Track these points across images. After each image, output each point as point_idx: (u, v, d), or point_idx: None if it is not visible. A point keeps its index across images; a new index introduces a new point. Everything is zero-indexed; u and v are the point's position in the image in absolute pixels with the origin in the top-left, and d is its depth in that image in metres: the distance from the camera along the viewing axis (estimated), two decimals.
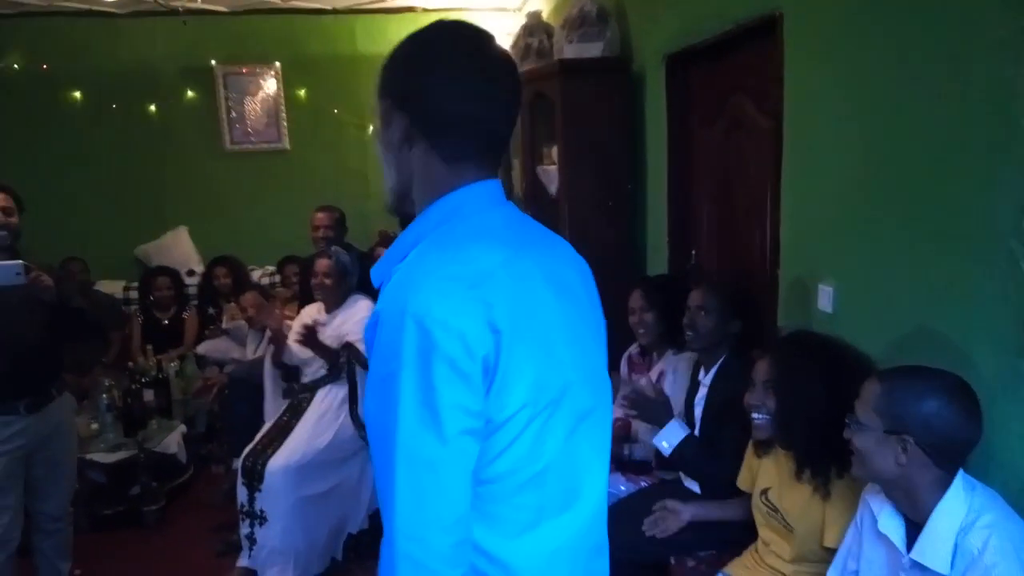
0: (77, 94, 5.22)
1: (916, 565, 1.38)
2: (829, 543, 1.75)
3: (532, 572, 0.95)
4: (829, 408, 1.72)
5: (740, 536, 2.09)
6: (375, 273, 1.00)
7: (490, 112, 0.97)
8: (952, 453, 1.37)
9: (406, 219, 1.04)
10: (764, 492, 1.97)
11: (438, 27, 1.00)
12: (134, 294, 4.96)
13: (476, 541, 0.92)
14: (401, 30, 1.02)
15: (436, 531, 0.86)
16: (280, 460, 3.04)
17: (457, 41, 0.98)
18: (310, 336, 3.17)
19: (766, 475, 2.00)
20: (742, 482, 2.12)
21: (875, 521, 1.49)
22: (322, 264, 3.29)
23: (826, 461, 1.76)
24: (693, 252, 3.20)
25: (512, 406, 0.90)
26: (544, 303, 0.96)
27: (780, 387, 1.86)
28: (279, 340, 3.32)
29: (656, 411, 2.34)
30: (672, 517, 2.20)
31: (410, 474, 0.84)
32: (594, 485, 1.04)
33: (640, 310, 2.69)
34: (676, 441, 2.27)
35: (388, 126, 0.99)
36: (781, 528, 1.90)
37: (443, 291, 0.86)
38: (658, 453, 2.56)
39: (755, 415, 1.93)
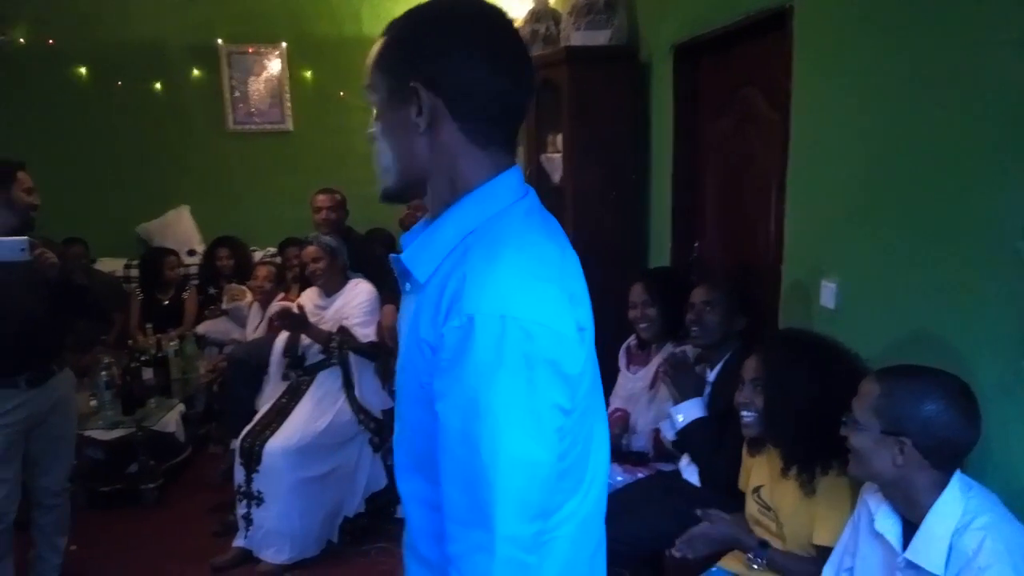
0: (82, 70, 5.18)
1: (911, 565, 1.38)
2: (819, 541, 1.75)
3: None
4: (816, 405, 1.73)
5: None
6: (415, 264, 0.95)
7: (518, 92, 0.94)
8: (949, 455, 1.37)
9: (402, 202, 1.02)
10: (757, 490, 1.98)
11: (461, 5, 0.95)
12: (135, 272, 4.96)
13: None
14: None
15: (530, 530, 0.85)
16: (278, 442, 3.05)
17: (485, 17, 0.94)
18: (297, 320, 3.17)
19: (759, 473, 2.00)
20: (742, 483, 2.10)
21: (872, 520, 1.49)
22: (308, 252, 3.31)
23: (812, 458, 1.77)
24: (696, 244, 3.19)
25: (580, 398, 0.91)
26: (586, 296, 0.97)
27: (768, 385, 1.86)
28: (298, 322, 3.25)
29: (687, 381, 2.35)
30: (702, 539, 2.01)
31: (513, 478, 0.83)
32: (602, 458, 1.04)
33: (642, 305, 2.66)
34: (691, 418, 2.28)
35: (400, 106, 0.93)
36: (773, 525, 1.90)
37: (538, 292, 0.85)
38: (656, 444, 2.57)
39: (744, 413, 1.93)
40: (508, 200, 0.95)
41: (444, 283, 0.89)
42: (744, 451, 2.08)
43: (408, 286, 1.00)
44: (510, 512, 0.83)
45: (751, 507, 1.99)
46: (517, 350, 0.82)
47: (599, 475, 1.02)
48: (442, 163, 0.94)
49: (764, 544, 1.88)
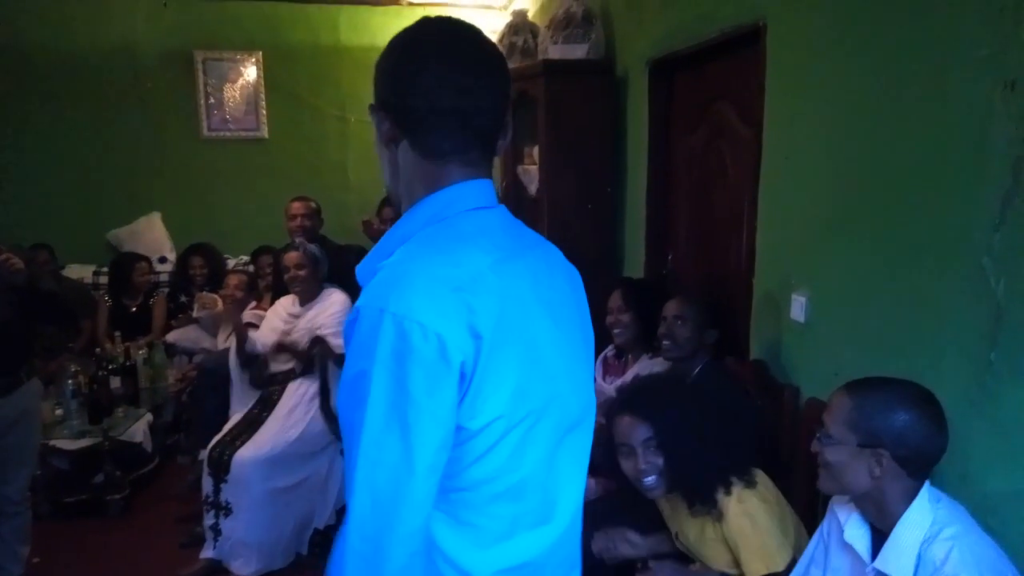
0: (51, 73, 5.10)
1: (880, 574, 1.39)
2: (753, 572, 1.72)
3: None
4: (705, 435, 1.76)
5: None
6: (360, 270, 0.98)
7: (470, 107, 0.94)
8: (924, 463, 1.39)
9: None
10: (675, 535, 1.96)
11: (421, 24, 0.98)
12: (104, 279, 4.88)
13: (445, 549, 0.90)
14: (385, 23, 1.01)
15: (392, 537, 0.83)
16: (248, 452, 3.01)
17: (436, 35, 0.96)
18: (281, 344, 3.17)
19: (671, 519, 1.97)
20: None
21: (841, 530, 1.51)
22: (291, 257, 3.26)
23: (714, 488, 1.77)
24: (669, 256, 3.22)
25: (489, 414, 0.88)
26: (532, 311, 0.94)
27: (664, 442, 1.79)
28: (240, 333, 3.29)
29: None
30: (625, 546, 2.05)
31: (370, 475, 0.82)
32: (571, 498, 1.03)
33: (617, 310, 2.70)
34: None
35: (377, 128, 0.99)
36: (704, 562, 1.89)
37: (425, 292, 0.84)
38: None
39: (646, 480, 1.81)
40: (455, 209, 0.96)
41: None
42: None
43: None
44: (367, 510, 0.83)
45: (683, 550, 1.97)
46: (389, 345, 0.82)
47: (561, 516, 1.00)
48: (403, 177, 0.99)
49: None
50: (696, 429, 1.78)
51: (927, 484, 1.40)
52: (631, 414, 1.83)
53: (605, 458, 1.87)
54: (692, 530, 1.87)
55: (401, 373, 0.82)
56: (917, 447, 1.37)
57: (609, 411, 1.93)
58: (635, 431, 1.81)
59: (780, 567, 1.72)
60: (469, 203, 0.97)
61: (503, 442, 0.90)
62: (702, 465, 1.76)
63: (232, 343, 3.44)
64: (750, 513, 1.75)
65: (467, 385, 0.85)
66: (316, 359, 3.22)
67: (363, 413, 0.82)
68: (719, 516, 1.77)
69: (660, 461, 1.80)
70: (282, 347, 3.23)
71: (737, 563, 1.77)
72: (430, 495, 0.85)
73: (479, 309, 0.86)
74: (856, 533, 1.48)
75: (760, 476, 1.85)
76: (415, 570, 0.85)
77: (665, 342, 2.40)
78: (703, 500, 1.77)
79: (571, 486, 1.03)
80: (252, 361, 3.36)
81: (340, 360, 3.23)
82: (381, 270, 0.90)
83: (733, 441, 1.82)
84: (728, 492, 1.76)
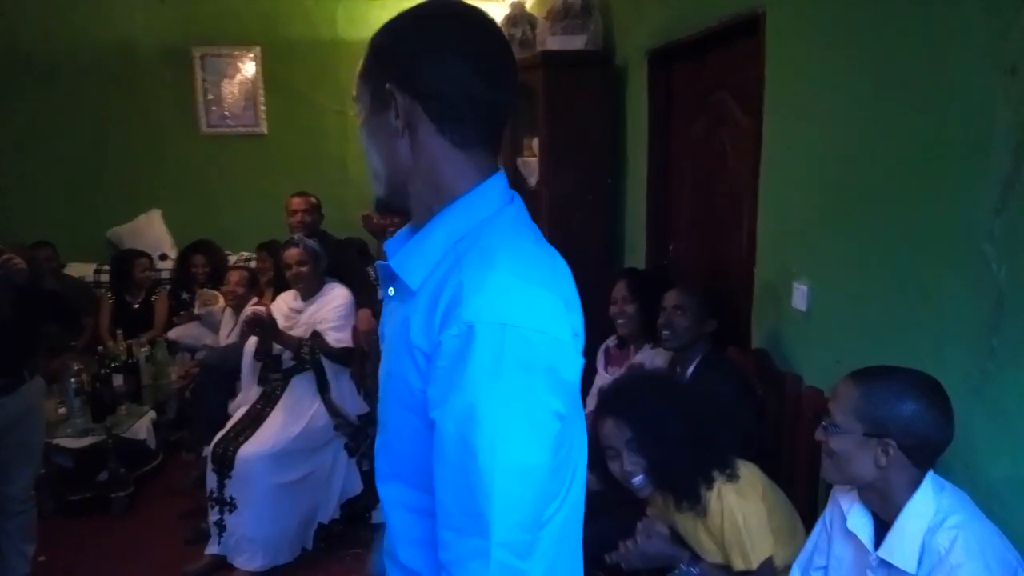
0: (50, 71, 5.09)
1: (883, 563, 1.39)
2: (743, 566, 1.73)
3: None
4: (686, 432, 1.76)
5: None
6: (405, 271, 0.94)
7: (500, 96, 0.93)
8: (930, 453, 1.38)
9: (396, 211, 1.00)
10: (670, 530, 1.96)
11: (438, 5, 0.95)
12: (105, 277, 4.88)
13: None
14: (383, 16, 0.99)
15: (528, 535, 0.85)
16: (252, 447, 3.01)
17: (461, 17, 0.93)
18: (267, 327, 3.13)
19: (664, 515, 1.96)
20: None
21: (844, 519, 1.51)
22: (292, 253, 3.25)
23: (697, 484, 1.77)
24: (670, 247, 3.21)
25: (573, 404, 0.92)
26: (578, 301, 0.97)
27: (644, 443, 1.79)
28: (266, 328, 3.20)
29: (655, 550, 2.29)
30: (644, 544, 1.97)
31: (511, 486, 0.82)
32: (579, 479, 1.02)
33: (623, 300, 2.70)
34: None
35: (381, 111, 0.93)
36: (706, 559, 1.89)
37: (535, 299, 0.85)
38: None
39: (633, 481, 1.82)
40: (495, 206, 0.94)
41: (437, 290, 0.88)
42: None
43: (392, 291, 0.99)
44: (507, 519, 0.82)
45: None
46: (517, 358, 0.81)
47: (579, 478, 1.02)
48: (424, 167, 0.94)
49: (696, 559, 1.85)
50: (673, 427, 1.77)
51: (931, 473, 1.39)
52: (613, 416, 1.84)
53: (595, 461, 1.87)
54: (685, 525, 1.88)
55: (532, 383, 0.83)
56: (924, 437, 1.36)
57: (596, 413, 1.93)
58: (618, 433, 1.82)
59: (755, 564, 1.72)
60: (502, 199, 0.96)
61: (573, 421, 0.94)
62: (680, 463, 1.76)
63: (242, 340, 3.41)
64: (729, 507, 1.75)
65: (575, 382, 0.90)
66: (308, 355, 3.20)
67: (495, 428, 0.81)
68: (703, 511, 1.77)
69: (644, 461, 1.80)
70: (269, 336, 3.18)
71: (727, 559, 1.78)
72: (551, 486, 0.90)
73: (574, 309, 0.90)
74: (859, 522, 1.47)
75: (747, 468, 1.84)
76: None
77: (665, 332, 2.41)
78: (687, 496, 1.78)
79: (579, 463, 1.02)
80: (270, 362, 3.33)
81: (335, 355, 3.22)
82: (466, 281, 0.85)
83: (713, 434, 1.81)
84: (710, 487, 1.77)
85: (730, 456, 1.83)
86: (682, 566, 1.87)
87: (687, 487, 1.77)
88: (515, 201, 0.98)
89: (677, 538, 1.94)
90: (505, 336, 0.81)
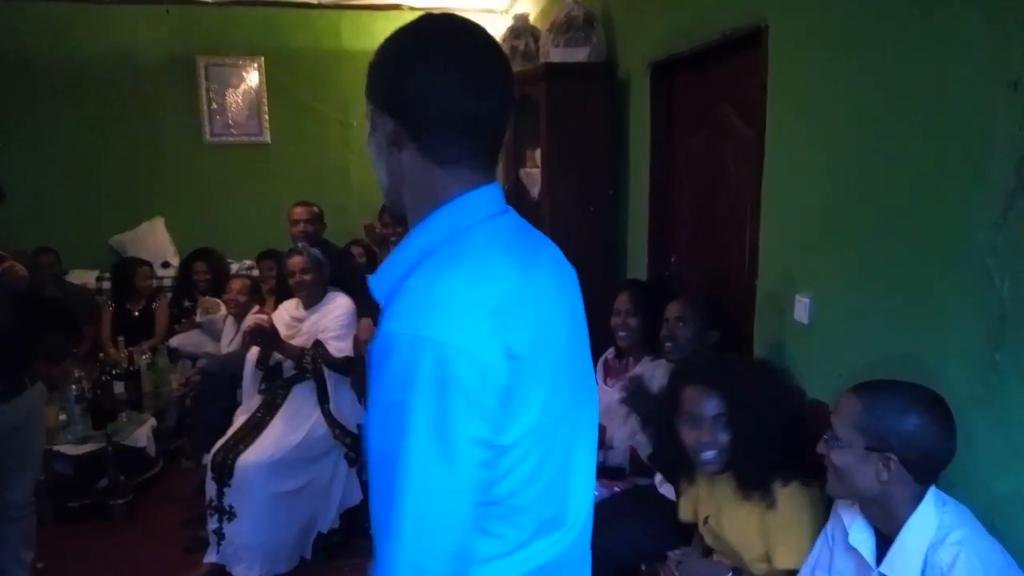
0: (54, 80, 5.11)
1: None
2: (783, 564, 1.72)
3: None
4: (788, 429, 1.72)
5: None
6: (376, 284, 0.94)
7: (484, 111, 0.91)
8: (932, 469, 1.38)
9: (400, 222, 1.00)
10: (706, 519, 1.94)
11: (424, 21, 0.94)
12: (107, 284, 4.89)
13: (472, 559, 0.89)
14: (387, 27, 0.99)
15: (440, 563, 0.82)
16: (252, 456, 3.00)
17: (445, 34, 0.92)
18: (268, 336, 3.13)
19: (704, 502, 1.96)
20: (687, 516, 2.04)
21: (846, 534, 1.50)
22: (296, 262, 3.25)
23: (772, 476, 1.74)
24: (672, 259, 3.21)
25: (520, 430, 0.86)
26: (556, 320, 0.93)
27: (735, 420, 1.76)
28: (268, 338, 3.20)
29: (647, 406, 2.29)
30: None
31: (418, 506, 0.79)
32: (584, 500, 1.02)
33: (626, 313, 2.70)
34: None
35: (375, 130, 0.95)
36: (730, 552, 1.88)
37: (463, 317, 0.81)
38: (633, 458, 2.57)
39: (706, 453, 1.80)
40: (476, 217, 0.93)
41: (388, 301, 0.89)
42: (684, 483, 2.02)
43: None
44: (414, 542, 0.80)
45: (707, 538, 1.95)
46: (428, 373, 0.78)
47: (574, 518, 0.99)
48: (410, 183, 0.94)
49: (737, 571, 1.84)
50: (775, 416, 1.73)
51: (933, 488, 1.39)
52: (705, 384, 1.80)
53: (656, 416, 1.84)
54: (734, 515, 1.83)
55: (443, 401, 0.79)
56: (926, 452, 1.35)
57: (674, 376, 1.91)
58: (707, 403, 1.79)
59: (796, 565, 1.70)
60: (485, 211, 0.94)
61: (530, 455, 0.89)
62: (771, 452, 1.72)
63: (246, 348, 3.40)
64: (801, 505, 1.71)
65: (504, 405, 0.83)
66: (311, 364, 3.20)
67: (405, 444, 0.79)
68: (771, 504, 1.73)
69: (726, 439, 1.77)
70: (271, 345, 3.18)
71: (766, 557, 1.75)
72: (474, 517, 0.84)
73: (515, 329, 0.84)
74: (861, 537, 1.47)
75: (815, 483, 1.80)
76: None
77: (667, 343, 2.41)
78: (758, 485, 1.73)
79: (583, 488, 1.02)
80: (272, 371, 3.33)
81: (337, 365, 3.22)
82: (405, 289, 0.85)
83: (807, 434, 1.73)
84: (786, 484, 1.73)
85: (812, 461, 1.81)
86: None
87: (764, 477, 1.73)
88: (506, 214, 0.97)
89: (707, 551, 1.92)
90: (417, 349, 0.79)
